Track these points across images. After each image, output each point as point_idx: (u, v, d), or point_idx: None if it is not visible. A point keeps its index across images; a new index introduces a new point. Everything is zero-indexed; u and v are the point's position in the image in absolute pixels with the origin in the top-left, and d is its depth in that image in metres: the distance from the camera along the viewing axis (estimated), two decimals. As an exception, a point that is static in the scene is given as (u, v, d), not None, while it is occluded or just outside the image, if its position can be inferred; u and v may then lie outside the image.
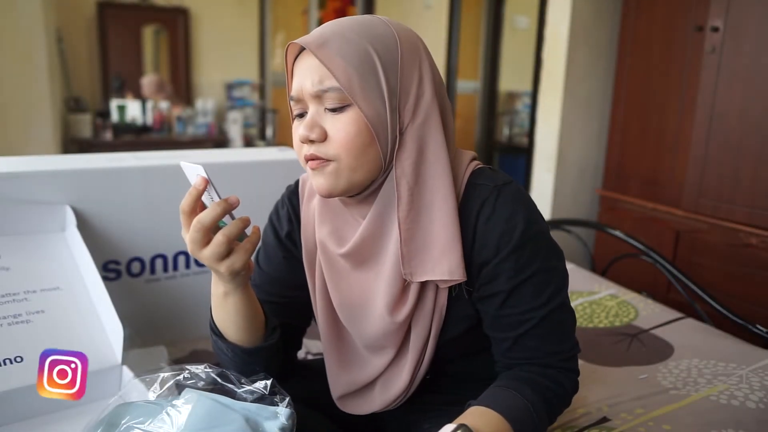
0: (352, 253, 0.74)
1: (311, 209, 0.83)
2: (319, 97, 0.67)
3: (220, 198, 0.64)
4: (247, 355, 0.75)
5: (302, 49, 0.69)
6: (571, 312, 0.73)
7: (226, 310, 0.73)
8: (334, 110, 0.67)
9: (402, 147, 0.68)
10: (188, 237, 0.65)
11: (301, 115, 0.70)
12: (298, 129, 0.70)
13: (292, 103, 0.71)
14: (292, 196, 0.88)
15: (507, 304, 0.70)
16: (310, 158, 0.68)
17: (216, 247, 0.64)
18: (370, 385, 0.80)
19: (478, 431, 0.62)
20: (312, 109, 0.68)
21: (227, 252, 0.65)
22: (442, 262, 0.68)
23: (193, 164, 0.65)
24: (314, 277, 0.82)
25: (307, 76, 0.67)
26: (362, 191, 0.71)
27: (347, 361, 0.82)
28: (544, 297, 0.69)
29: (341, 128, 0.66)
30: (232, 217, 0.66)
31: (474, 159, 0.75)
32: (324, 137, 0.67)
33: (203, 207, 0.66)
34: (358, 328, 0.77)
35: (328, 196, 0.70)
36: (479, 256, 0.69)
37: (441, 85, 0.72)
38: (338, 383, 0.83)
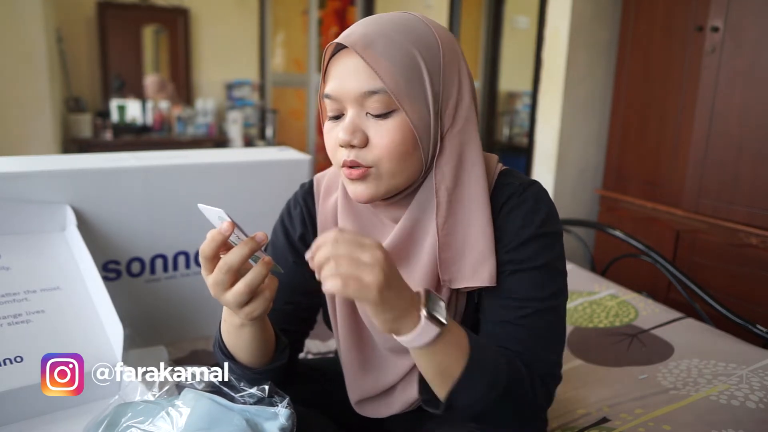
0: None
1: (328, 210, 0.81)
2: (362, 100, 0.64)
3: (246, 236, 0.61)
4: (257, 375, 0.73)
5: (340, 48, 0.66)
6: (563, 324, 0.72)
7: (241, 339, 0.70)
8: (378, 115, 0.64)
9: (442, 152, 0.68)
10: (212, 279, 0.61)
11: (337, 117, 0.68)
12: (334, 130, 0.68)
13: (327, 102, 0.68)
14: (306, 197, 0.85)
15: (509, 287, 0.69)
16: (350, 165, 0.66)
17: (238, 296, 0.61)
18: (391, 388, 0.79)
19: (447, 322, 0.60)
20: (352, 112, 0.66)
21: (249, 299, 0.62)
22: (481, 270, 0.67)
23: (212, 208, 0.61)
24: None
25: (349, 77, 0.65)
26: (397, 194, 0.70)
27: (369, 366, 0.80)
28: (545, 291, 0.69)
29: (385, 135, 0.64)
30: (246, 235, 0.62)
31: (498, 161, 0.76)
32: (365, 143, 0.65)
33: (226, 247, 0.62)
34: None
35: (367, 202, 0.68)
36: (498, 249, 0.69)
37: (473, 89, 0.71)
38: (358, 388, 0.81)
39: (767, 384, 1.08)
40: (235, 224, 0.60)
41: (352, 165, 0.66)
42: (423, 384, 0.66)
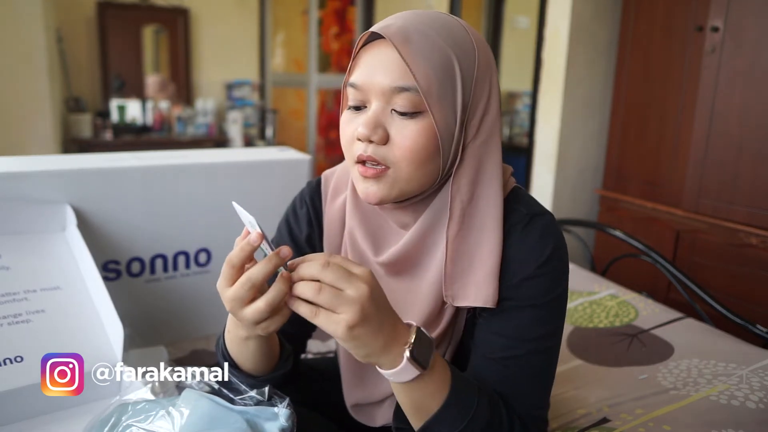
0: (390, 263, 0.71)
1: (335, 210, 0.79)
2: (390, 95, 0.62)
3: (272, 250, 0.56)
4: (260, 382, 0.71)
5: (375, 37, 0.63)
6: (554, 365, 0.69)
7: (246, 350, 0.68)
8: (404, 114, 0.62)
9: (462, 163, 0.65)
10: (232, 293, 0.56)
11: (358, 108, 0.65)
12: (354, 122, 0.64)
13: (351, 90, 0.65)
14: (314, 195, 0.82)
15: (503, 323, 0.66)
16: (366, 160, 0.63)
17: (257, 314, 0.56)
18: (387, 398, 0.77)
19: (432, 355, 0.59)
20: (376, 105, 0.63)
21: (267, 317, 0.58)
22: (485, 289, 0.64)
23: (246, 212, 0.57)
24: None
25: (381, 70, 0.62)
26: (407, 200, 0.68)
27: (366, 374, 0.78)
28: (540, 331, 0.66)
29: (408, 135, 0.61)
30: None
31: (512, 174, 0.73)
32: (386, 140, 0.62)
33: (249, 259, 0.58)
34: None
35: (377, 204, 0.65)
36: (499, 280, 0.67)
37: (500, 102, 0.69)
38: (354, 394, 0.81)
39: (767, 384, 1.08)
40: (264, 236, 0.57)
41: (367, 161, 0.63)
42: (398, 412, 0.65)
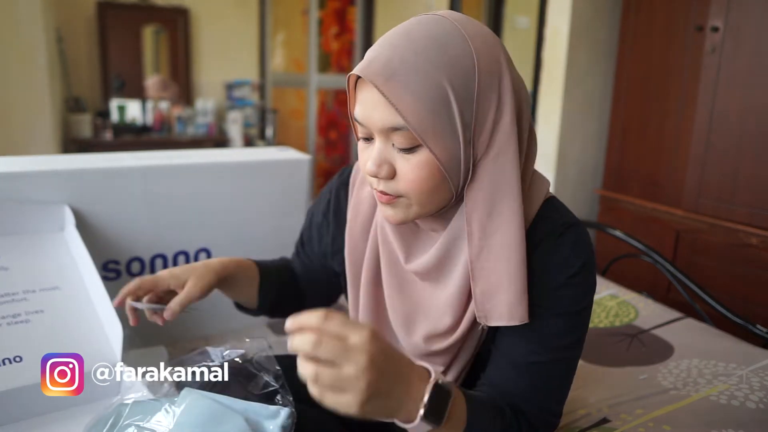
0: (418, 272, 0.72)
1: (364, 198, 0.80)
2: (387, 133, 0.62)
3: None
4: (255, 312, 0.95)
5: None
6: (572, 375, 0.70)
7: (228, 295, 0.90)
8: (403, 149, 0.62)
9: (474, 181, 0.63)
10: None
11: (367, 139, 0.66)
12: (365, 152, 0.66)
13: (357, 123, 0.66)
14: (340, 187, 0.86)
15: (527, 330, 0.67)
16: (379, 193, 0.66)
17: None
18: None
19: (449, 388, 0.58)
20: (380, 143, 0.63)
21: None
22: (518, 307, 0.64)
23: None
24: (358, 282, 0.80)
25: (373, 110, 0.61)
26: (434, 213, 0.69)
27: None
28: (562, 341, 0.67)
29: (410, 170, 0.62)
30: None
31: (548, 184, 0.72)
32: (393, 175, 0.63)
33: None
34: (410, 337, 0.75)
35: (399, 224, 0.69)
36: (529, 286, 0.67)
37: (523, 99, 0.65)
38: None
39: (767, 384, 1.08)
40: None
41: (381, 193, 0.65)
42: None
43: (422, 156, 0.61)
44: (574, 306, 0.67)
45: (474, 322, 0.69)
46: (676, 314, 1.44)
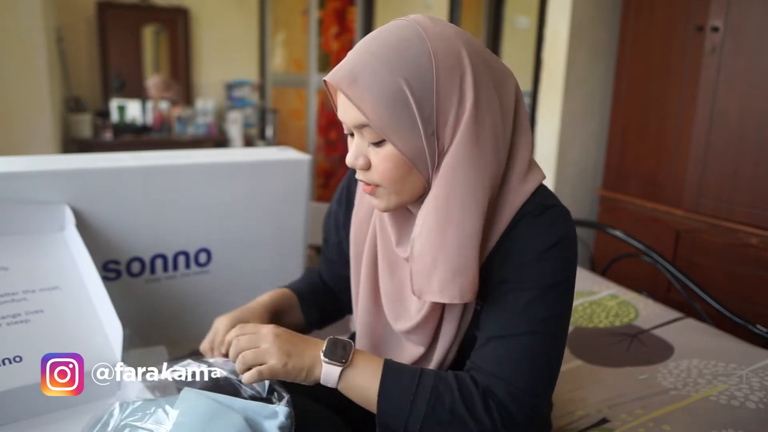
0: (406, 255, 0.76)
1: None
2: (359, 129, 0.69)
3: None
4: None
5: None
6: (556, 353, 0.70)
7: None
8: (373, 143, 0.69)
9: (438, 169, 0.67)
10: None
11: (351, 134, 0.73)
12: (350, 147, 0.74)
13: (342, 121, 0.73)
14: (351, 176, 0.93)
15: (503, 305, 0.69)
16: (364, 183, 0.73)
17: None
18: None
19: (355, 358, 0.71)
20: (357, 138, 0.71)
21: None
22: (450, 287, 0.66)
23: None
24: (360, 263, 0.86)
25: (345, 111, 0.69)
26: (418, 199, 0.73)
27: (382, 347, 0.85)
28: (541, 314, 0.67)
29: (380, 162, 0.69)
30: None
31: (542, 175, 0.74)
32: (368, 166, 0.71)
33: None
34: (397, 316, 0.80)
35: (385, 212, 0.75)
36: (502, 264, 0.69)
37: (506, 92, 0.69)
38: None
39: (767, 384, 1.08)
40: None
41: (363, 182, 0.73)
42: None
43: (388, 149, 0.68)
44: (546, 280, 0.67)
45: (437, 305, 0.73)
46: (676, 314, 1.44)
